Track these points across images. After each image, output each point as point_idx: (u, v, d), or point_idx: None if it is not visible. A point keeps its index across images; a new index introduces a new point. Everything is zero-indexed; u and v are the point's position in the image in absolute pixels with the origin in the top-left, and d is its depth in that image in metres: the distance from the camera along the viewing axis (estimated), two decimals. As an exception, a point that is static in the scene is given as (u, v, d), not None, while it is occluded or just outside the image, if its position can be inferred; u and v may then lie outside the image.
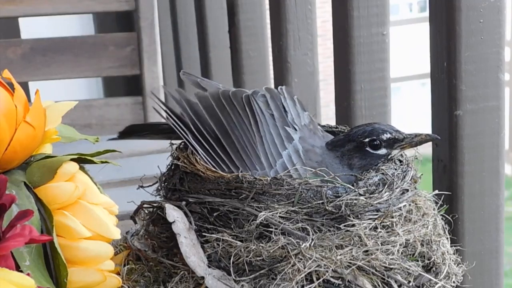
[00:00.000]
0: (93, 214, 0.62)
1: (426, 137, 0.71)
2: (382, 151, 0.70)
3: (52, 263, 0.60)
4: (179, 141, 0.72)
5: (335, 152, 0.70)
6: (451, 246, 0.71)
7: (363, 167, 0.69)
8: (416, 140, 0.70)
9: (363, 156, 0.69)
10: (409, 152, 0.73)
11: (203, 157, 0.68)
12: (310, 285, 0.61)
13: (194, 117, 0.69)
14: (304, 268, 0.61)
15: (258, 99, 0.71)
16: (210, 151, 0.68)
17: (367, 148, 0.69)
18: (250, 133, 0.69)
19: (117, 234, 0.63)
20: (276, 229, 0.63)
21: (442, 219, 0.71)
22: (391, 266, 0.63)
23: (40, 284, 0.57)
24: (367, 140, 0.69)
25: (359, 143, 0.69)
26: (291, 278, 0.61)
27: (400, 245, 0.64)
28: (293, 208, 0.63)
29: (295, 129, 0.71)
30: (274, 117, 0.71)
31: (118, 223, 0.65)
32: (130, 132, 0.77)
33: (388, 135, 0.70)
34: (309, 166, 0.68)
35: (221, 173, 0.66)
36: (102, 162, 0.68)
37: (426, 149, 0.78)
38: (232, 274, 0.63)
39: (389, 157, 0.70)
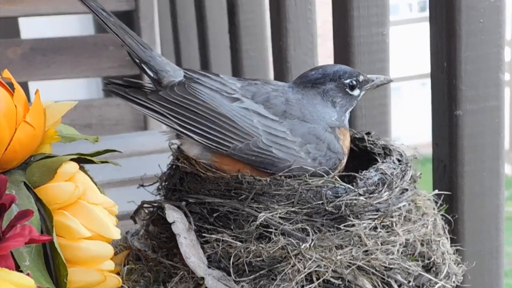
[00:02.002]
0: (93, 214, 0.61)
1: (384, 79, 0.73)
2: (356, 92, 0.71)
3: (52, 263, 0.60)
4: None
5: (316, 89, 0.70)
6: (451, 246, 0.71)
7: (343, 107, 0.71)
8: (377, 82, 0.73)
9: (343, 96, 0.71)
10: (408, 152, 0.73)
11: (197, 139, 0.66)
12: (310, 285, 0.61)
13: (171, 109, 0.66)
14: (304, 269, 0.61)
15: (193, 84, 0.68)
16: (200, 132, 0.66)
17: (347, 89, 0.71)
18: (219, 110, 0.66)
19: (117, 234, 0.63)
20: (276, 229, 0.63)
21: (442, 219, 0.71)
22: (391, 266, 0.63)
23: (40, 284, 0.57)
24: (347, 81, 0.71)
25: (340, 84, 0.70)
26: (291, 279, 0.61)
27: (400, 245, 0.64)
28: (293, 209, 0.63)
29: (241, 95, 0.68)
30: (219, 91, 0.67)
31: (118, 223, 0.65)
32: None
33: (362, 77, 0.72)
34: (275, 111, 0.67)
35: (221, 173, 0.66)
36: (102, 162, 0.68)
37: (426, 149, 0.78)
38: (232, 274, 0.63)
39: (358, 98, 0.72)
